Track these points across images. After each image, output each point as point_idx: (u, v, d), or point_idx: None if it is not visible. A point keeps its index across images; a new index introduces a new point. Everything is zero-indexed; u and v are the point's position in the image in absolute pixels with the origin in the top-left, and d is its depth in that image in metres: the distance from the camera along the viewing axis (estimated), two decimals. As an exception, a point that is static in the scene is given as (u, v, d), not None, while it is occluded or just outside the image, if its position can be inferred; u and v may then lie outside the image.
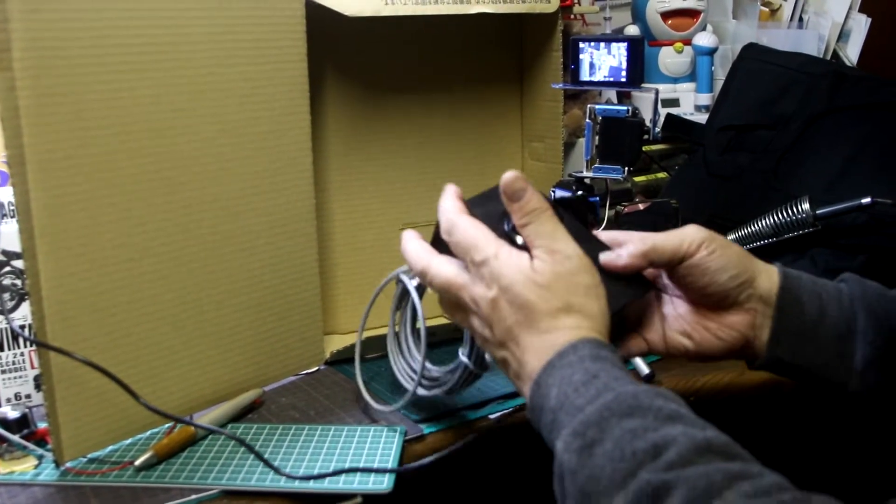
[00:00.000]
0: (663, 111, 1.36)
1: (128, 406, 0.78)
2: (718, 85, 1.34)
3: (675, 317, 0.71)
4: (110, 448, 0.80)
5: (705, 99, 1.42)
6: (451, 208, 0.65)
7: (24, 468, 0.77)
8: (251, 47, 0.86)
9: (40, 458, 0.79)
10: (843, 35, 1.60)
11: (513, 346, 0.61)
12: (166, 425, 0.82)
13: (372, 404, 0.86)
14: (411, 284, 0.82)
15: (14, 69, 0.70)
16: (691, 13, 1.45)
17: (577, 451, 0.52)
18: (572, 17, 1.31)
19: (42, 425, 0.81)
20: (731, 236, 1.08)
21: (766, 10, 1.61)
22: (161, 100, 0.80)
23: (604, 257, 0.68)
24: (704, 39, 1.42)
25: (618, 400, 0.53)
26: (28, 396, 0.90)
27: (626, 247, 0.68)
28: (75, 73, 0.74)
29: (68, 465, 0.77)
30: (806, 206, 1.02)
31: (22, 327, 0.88)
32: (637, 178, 1.27)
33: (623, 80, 0.94)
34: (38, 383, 0.89)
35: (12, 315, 0.88)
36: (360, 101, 1.03)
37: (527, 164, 1.14)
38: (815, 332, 0.68)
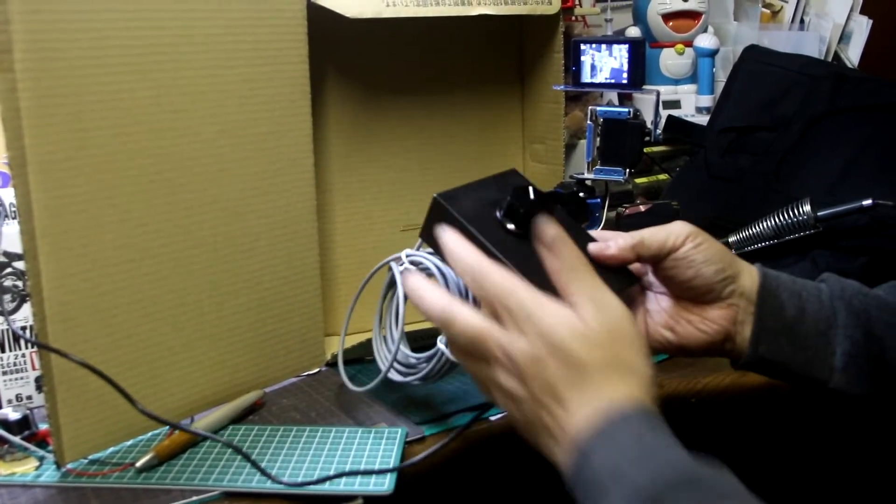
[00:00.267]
0: (664, 113, 1.36)
1: (129, 408, 0.78)
2: (719, 87, 1.33)
3: (659, 311, 0.72)
4: (111, 449, 0.80)
5: (706, 101, 1.42)
6: (470, 255, 0.61)
7: (25, 469, 0.77)
8: (252, 48, 0.86)
9: (41, 459, 0.79)
10: (844, 37, 1.60)
11: (554, 406, 0.56)
12: (168, 426, 0.82)
13: (347, 384, 0.88)
14: (398, 273, 0.83)
15: (15, 70, 0.70)
16: (692, 15, 1.45)
17: None
18: (573, 18, 1.31)
19: (43, 426, 0.81)
20: (733, 238, 1.08)
21: (768, 11, 1.61)
22: (162, 101, 0.80)
23: (593, 247, 0.70)
24: (705, 41, 1.42)
25: (677, 474, 0.51)
26: (29, 398, 0.90)
27: (615, 239, 0.70)
28: (76, 75, 0.74)
29: (69, 466, 0.77)
30: (807, 207, 1.02)
31: (23, 328, 0.89)
32: (638, 180, 1.27)
33: (624, 81, 0.95)
34: (40, 384, 0.89)
35: (14, 316, 0.88)
36: (362, 103, 1.03)
37: (528, 166, 1.14)
38: (796, 330, 0.69)
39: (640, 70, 0.94)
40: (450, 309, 0.60)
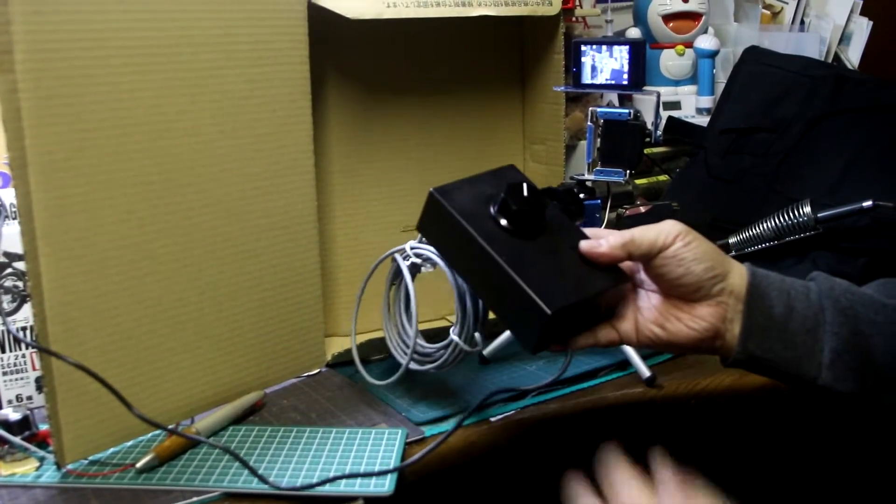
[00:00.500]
0: (665, 114, 1.36)
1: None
2: (720, 88, 1.34)
3: (649, 308, 0.73)
4: (112, 450, 0.80)
5: (707, 102, 1.42)
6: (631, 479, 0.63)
7: (25, 470, 0.77)
8: (253, 49, 0.86)
9: (41, 459, 0.79)
10: (844, 38, 1.60)
11: None
12: (168, 426, 0.82)
13: (365, 377, 0.90)
14: (404, 265, 0.84)
15: (16, 71, 0.70)
16: (693, 16, 1.45)
17: None
18: (574, 19, 1.31)
19: (43, 427, 0.81)
20: (733, 239, 1.08)
21: (768, 12, 1.61)
22: (163, 101, 0.80)
23: (584, 244, 0.72)
24: (706, 42, 1.42)
25: None
26: (29, 398, 0.90)
27: (607, 237, 0.71)
28: (77, 76, 0.74)
29: (70, 467, 0.77)
30: (807, 209, 1.02)
31: (24, 329, 0.89)
32: (638, 181, 1.27)
33: (625, 82, 0.94)
34: (40, 385, 0.89)
35: (15, 317, 0.88)
36: (362, 104, 1.03)
37: (528, 167, 1.14)
38: (785, 327, 0.70)
39: (641, 71, 0.94)
40: None
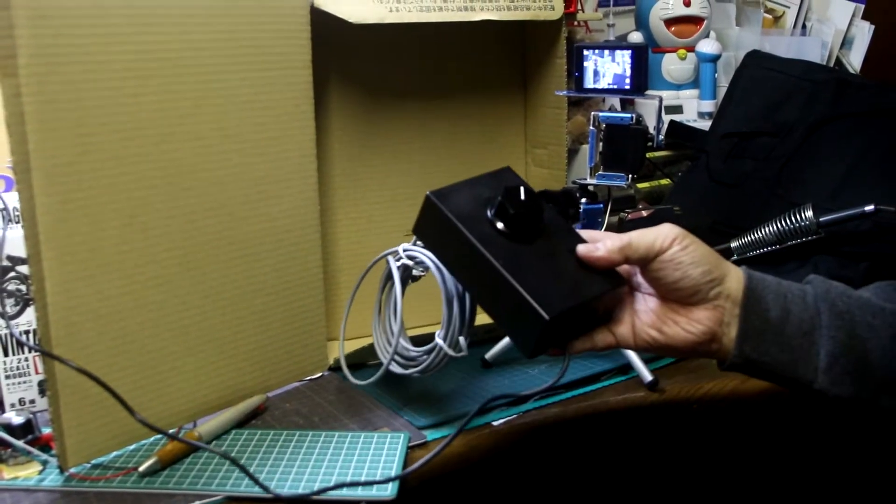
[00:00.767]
0: (666, 118, 1.36)
1: (132, 412, 0.78)
2: (721, 92, 1.34)
3: (646, 311, 0.73)
4: (114, 454, 0.80)
5: (708, 106, 1.42)
6: None
7: (28, 474, 0.77)
8: (256, 54, 0.86)
9: (44, 463, 0.79)
10: (846, 42, 1.60)
11: None
12: (170, 431, 0.82)
13: (348, 376, 0.90)
14: (395, 266, 0.84)
15: (19, 75, 0.70)
16: (695, 20, 1.45)
17: None
18: (576, 23, 1.31)
19: (46, 431, 0.81)
20: (735, 243, 1.08)
21: (770, 17, 1.61)
22: (165, 106, 0.80)
23: (582, 248, 0.72)
24: (708, 46, 1.42)
25: None
26: (32, 401, 0.90)
27: (604, 241, 0.71)
28: (80, 80, 0.74)
29: (72, 470, 0.77)
30: (809, 213, 1.02)
31: (27, 333, 0.89)
32: (640, 185, 1.27)
33: (627, 87, 0.95)
34: (43, 388, 0.89)
35: (17, 320, 0.89)
36: (364, 108, 1.03)
37: (530, 171, 1.15)
38: (781, 330, 0.70)
39: (643, 76, 0.94)
40: None
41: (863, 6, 1.60)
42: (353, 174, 1.04)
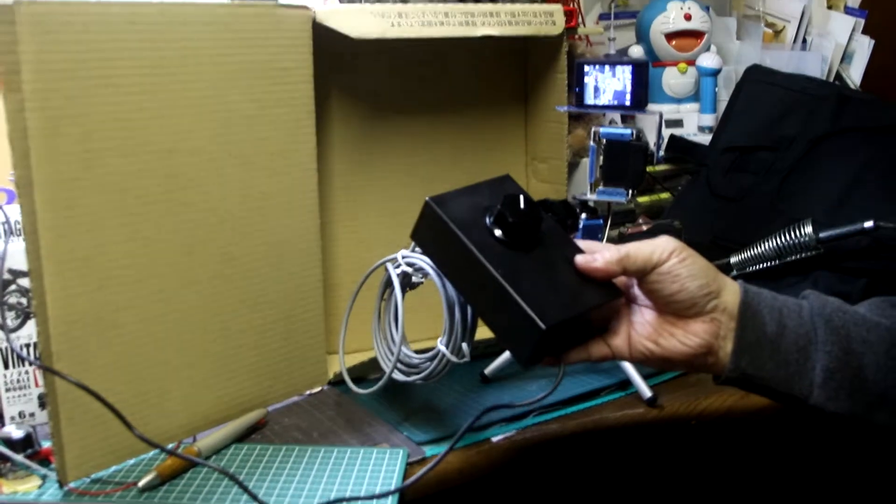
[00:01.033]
0: (667, 131, 1.37)
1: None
2: (722, 106, 1.34)
3: (643, 323, 0.73)
4: (114, 468, 0.81)
5: (709, 120, 1.42)
6: None
7: (27, 488, 0.77)
8: (258, 69, 0.87)
9: (44, 477, 0.79)
10: (846, 57, 1.61)
11: None
12: (170, 445, 0.82)
13: (351, 386, 0.89)
14: (394, 273, 0.83)
15: (23, 91, 0.71)
16: (695, 34, 1.45)
17: None
18: (576, 37, 1.32)
19: (46, 444, 0.81)
20: (734, 258, 1.08)
21: (770, 31, 1.61)
22: (168, 121, 0.80)
23: (580, 259, 0.72)
24: (708, 60, 1.42)
25: None
26: (32, 415, 0.90)
27: (602, 252, 0.72)
28: (83, 95, 0.74)
29: (72, 485, 0.77)
30: (809, 229, 1.02)
31: (27, 346, 0.89)
32: (640, 199, 1.27)
33: (627, 103, 0.95)
34: (43, 401, 0.89)
35: (18, 333, 0.89)
36: (366, 122, 1.03)
37: (531, 185, 1.15)
38: (777, 345, 0.70)
39: (644, 92, 0.94)
40: None
41: (863, 21, 1.61)
42: (354, 187, 1.04)
